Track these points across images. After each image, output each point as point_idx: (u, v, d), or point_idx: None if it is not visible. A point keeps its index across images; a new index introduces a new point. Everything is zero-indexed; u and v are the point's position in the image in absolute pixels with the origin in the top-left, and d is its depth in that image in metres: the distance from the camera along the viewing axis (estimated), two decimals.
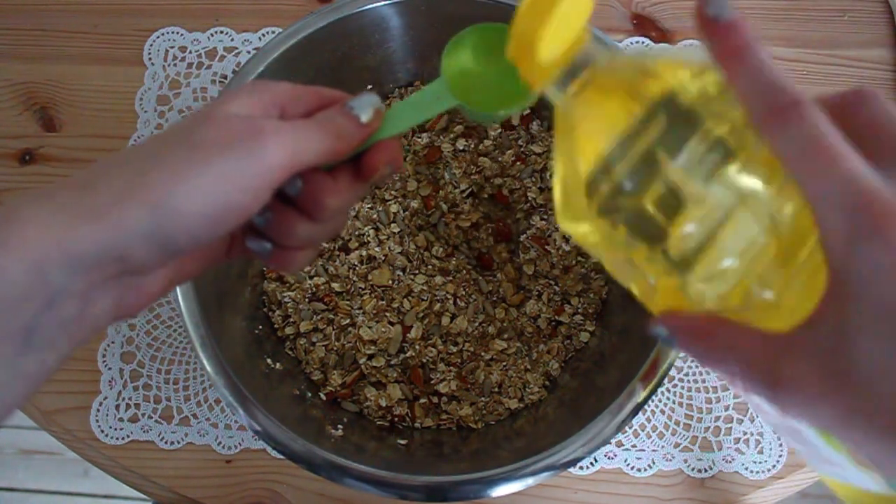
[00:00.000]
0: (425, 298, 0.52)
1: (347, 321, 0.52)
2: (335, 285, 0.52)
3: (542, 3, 0.25)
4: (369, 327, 0.51)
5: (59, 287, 0.24)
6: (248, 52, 0.61)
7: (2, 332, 0.23)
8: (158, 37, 0.62)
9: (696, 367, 0.54)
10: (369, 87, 0.55)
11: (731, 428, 0.52)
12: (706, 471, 0.52)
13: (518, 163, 0.55)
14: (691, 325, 0.25)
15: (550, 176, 0.54)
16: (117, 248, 0.24)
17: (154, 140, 0.27)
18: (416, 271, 0.53)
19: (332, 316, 0.52)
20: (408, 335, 0.51)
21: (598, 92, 0.27)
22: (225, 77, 0.61)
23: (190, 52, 0.62)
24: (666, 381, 0.51)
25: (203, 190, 0.25)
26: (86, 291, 0.25)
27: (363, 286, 0.52)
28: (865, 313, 0.20)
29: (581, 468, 0.52)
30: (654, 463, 0.52)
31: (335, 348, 0.51)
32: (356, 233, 0.53)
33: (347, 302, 0.52)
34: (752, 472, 0.51)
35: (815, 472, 0.30)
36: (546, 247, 0.53)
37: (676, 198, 0.24)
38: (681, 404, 0.53)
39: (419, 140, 0.55)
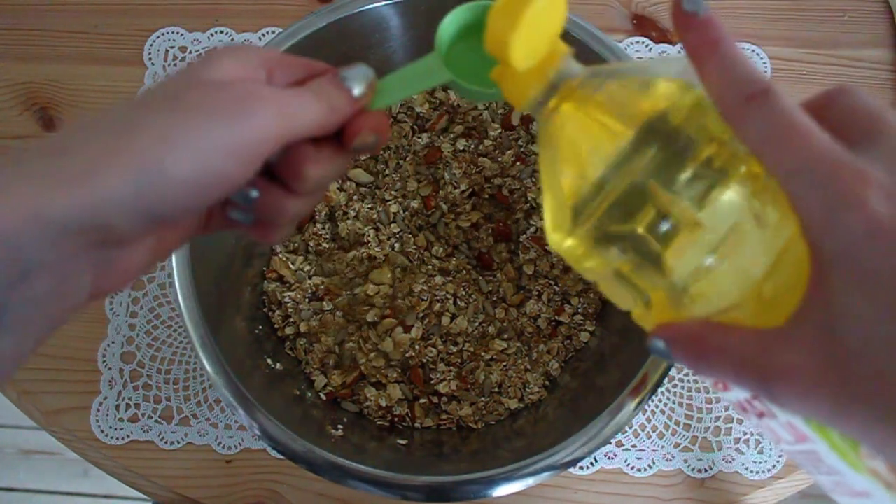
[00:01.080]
0: (425, 298, 0.52)
1: None
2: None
3: (513, 5, 0.25)
4: None
5: (32, 258, 0.22)
6: None
7: None
8: (158, 37, 0.62)
9: None
10: None
11: (731, 428, 0.52)
12: (706, 471, 0.52)
13: (518, 163, 0.55)
14: (684, 333, 0.24)
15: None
16: (97, 215, 0.22)
17: (131, 105, 0.25)
18: (417, 271, 0.53)
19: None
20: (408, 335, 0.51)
21: (579, 109, 0.26)
22: None
23: (190, 52, 0.62)
24: (666, 380, 0.51)
25: (191, 156, 0.23)
26: (61, 264, 0.23)
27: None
28: (850, 284, 0.20)
29: (581, 468, 0.52)
30: (654, 463, 0.52)
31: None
32: (356, 232, 0.53)
33: None
34: (752, 472, 0.51)
35: None
36: (546, 247, 0.53)
37: (668, 221, 0.23)
38: (681, 404, 0.53)
39: (419, 140, 0.55)
